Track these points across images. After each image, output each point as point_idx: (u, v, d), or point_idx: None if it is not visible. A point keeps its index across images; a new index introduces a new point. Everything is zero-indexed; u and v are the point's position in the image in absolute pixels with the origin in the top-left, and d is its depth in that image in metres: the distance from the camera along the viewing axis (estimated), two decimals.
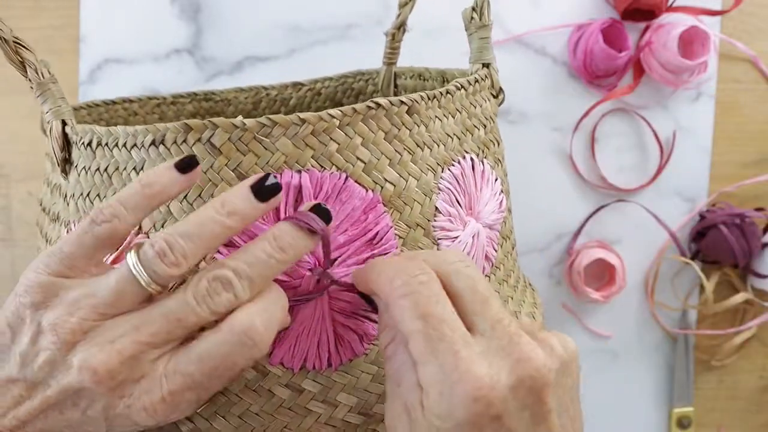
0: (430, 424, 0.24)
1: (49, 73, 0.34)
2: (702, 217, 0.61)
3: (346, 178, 0.30)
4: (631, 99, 0.61)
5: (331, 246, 0.30)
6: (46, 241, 0.37)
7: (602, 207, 0.62)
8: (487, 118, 0.39)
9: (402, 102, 0.32)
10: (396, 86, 0.53)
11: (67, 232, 0.34)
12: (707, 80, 0.61)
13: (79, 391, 0.26)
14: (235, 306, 0.26)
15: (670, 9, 0.59)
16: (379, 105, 0.31)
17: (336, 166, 0.30)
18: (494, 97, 0.42)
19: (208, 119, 0.29)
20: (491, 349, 0.24)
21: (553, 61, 0.62)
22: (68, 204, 0.34)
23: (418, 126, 0.33)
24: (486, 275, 0.37)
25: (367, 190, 0.31)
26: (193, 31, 0.61)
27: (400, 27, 0.48)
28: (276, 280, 0.29)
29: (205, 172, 0.29)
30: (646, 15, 0.59)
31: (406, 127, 0.32)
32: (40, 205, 0.39)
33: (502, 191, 0.39)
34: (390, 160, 0.32)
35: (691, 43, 0.59)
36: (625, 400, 0.64)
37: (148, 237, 0.30)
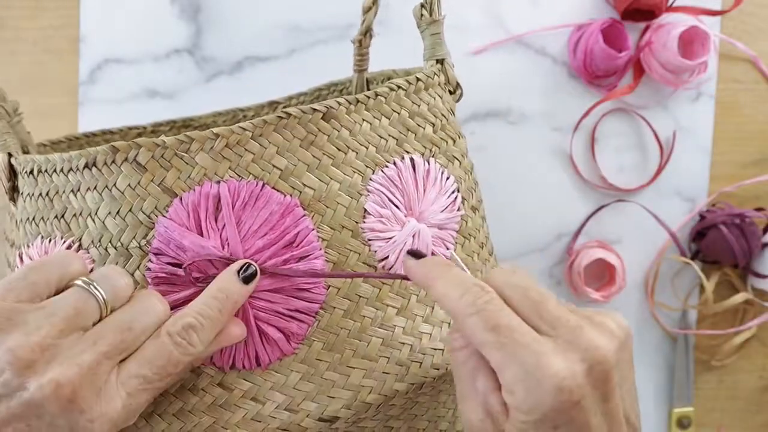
0: (517, 421, 0.26)
1: (14, 111, 0.38)
2: (702, 217, 0.61)
3: (263, 185, 0.32)
4: (631, 99, 0.61)
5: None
6: (8, 265, 0.40)
7: (602, 207, 0.62)
8: (437, 116, 0.39)
9: (315, 110, 0.33)
10: None
11: (19, 255, 0.37)
12: (707, 80, 0.61)
13: (41, 406, 0.26)
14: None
15: (670, 9, 0.59)
16: (290, 114, 0.33)
17: (253, 175, 0.32)
18: (451, 93, 0.42)
19: (132, 140, 0.32)
20: (559, 345, 0.27)
21: (553, 61, 0.62)
22: (18, 229, 0.37)
23: (338, 131, 0.34)
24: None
25: (285, 195, 0.33)
26: (193, 31, 0.61)
27: (366, 33, 0.47)
28: (198, 282, 0.32)
29: (133, 189, 0.32)
30: (646, 15, 0.59)
31: (324, 133, 0.34)
32: (4, 233, 0.42)
33: (457, 190, 0.39)
34: (308, 165, 0.33)
35: (691, 43, 0.59)
36: None
37: (88, 253, 0.33)
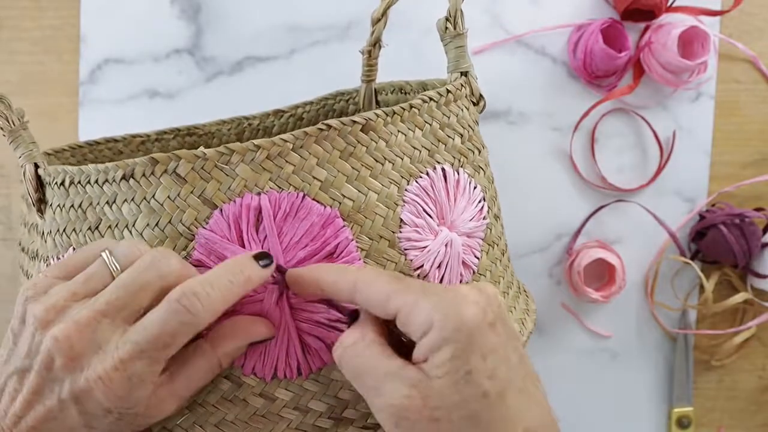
0: (439, 362, 0.27)
1: (20, 120, 0.37)
2: (702, 217, 0.61)
3: (303, 196, 0.32)
4: (631, 99, 0.61)
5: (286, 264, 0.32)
6: (27, 278, 0.40)
7: (602, 207, 0.62)
8: (464, 127, 0.40)
9: (354, 121, 0.33)
10: (378, 103, 0.53)
11: (46, 266, 0.37)
12: (707, 80, 0.62)
13: (51, 361, 0.28)
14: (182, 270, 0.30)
15: (670, 9, 0.59)
16: (330, 126, 0.33)
17: (293, 186, 0.32)
18: (474, 104, 0.42)
19: (172, 152, 0.32)
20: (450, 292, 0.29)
21: (553, 61, 0.62)
22: (46, 241, 0.37)
23: (376, 142, 0.34)
24: (465, 282, 0.37)
25: (325, 207, 0.32)
26: (193, 31, 0.61)
27: (376, 44, 0.47)
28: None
29: (172, 200, 0.32)
30: (646, 15, 0.59)
31: (362, 145, 0.34)
32: (20, 245, 0.41)
33: (483, 198, 0.39)
34: (347, 176, 0.33)
35: (691, 43, 0.59)
36: (625, 400, 0.64)
37: None
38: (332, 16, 0.61)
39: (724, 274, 0.63)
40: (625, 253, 0.61)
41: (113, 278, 0.30)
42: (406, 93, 0.51)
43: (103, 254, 0.31)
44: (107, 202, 0.33)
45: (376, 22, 0.45)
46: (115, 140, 0.53)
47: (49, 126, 0.62)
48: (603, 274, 0.62)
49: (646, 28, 0.60)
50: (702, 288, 0.62)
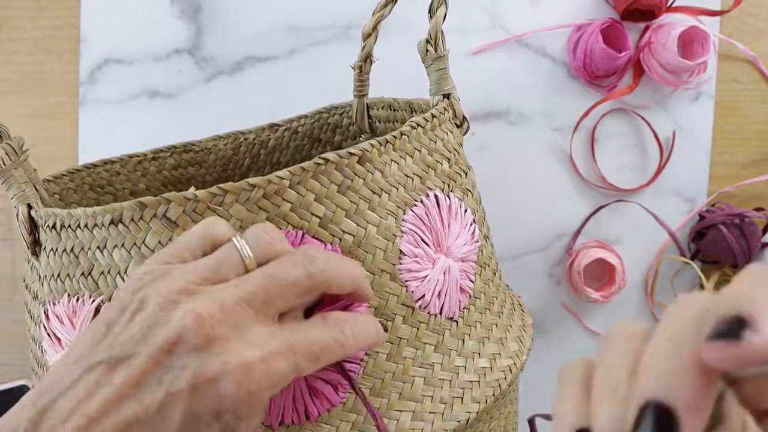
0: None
1: (16, 155, 0.36)
2: (702, 217, 0.61)
3: (303, 234, 0.31)
4: (631, 99, 0.61)
5: None
6: (31, 317, 0.38)
7: (602, 207, 0.62)
8: (450, 151, 0.39)
9: (351, 153, 0.32)
10: (370, 117, 0.53)
11: (45, 312, 0.35)
12: (707, 80, 0.62)
13: (179, 338, 0.24)
14: (329, 278, 0.28)
15: (670, 9, 0.59)
16: (327, 160, 0.32)
17: (291, 225, 0.31)
18: (458, 126, 0.42)
19: (161, 195, 0.30)
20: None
21: (553, 61, 0.62)
22: (42, 285, 0.36)
23: (372, 173, 0.33)
24: (464, 308, 0.37)
25: (325, 244, 0.31)
26: (193, 31, 0.61)
27: (367, 59, 0.47)
28: None
29: (164, 246, 0.30)
30: (646, 15, 0.59)
31: (359, 177, 0.33)
32: (24, 281, 0.40)
33: (474, 221, 0.39)
34: (346, 211, 0.32)
35: (690, 43, 0.59)
36: None
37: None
38: (332, 16, 0.61)
39: (724, 274, 0.63)
40: (625, 253, 0.62)
41: (245, 267, 0.27)
42: (395, 110, 0.50)
43: (235, 239, 0.28)
44: (98, 247, 0.32)
45: (366, 37, 0.44)
46: (112, 161, 0.52)
47: (49, 126, 0.62)
48: (603, 274, 0.62)
49: (646, 28, 0.60)
50: (702, 288, 0.62)
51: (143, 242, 0.31)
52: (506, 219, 0.62)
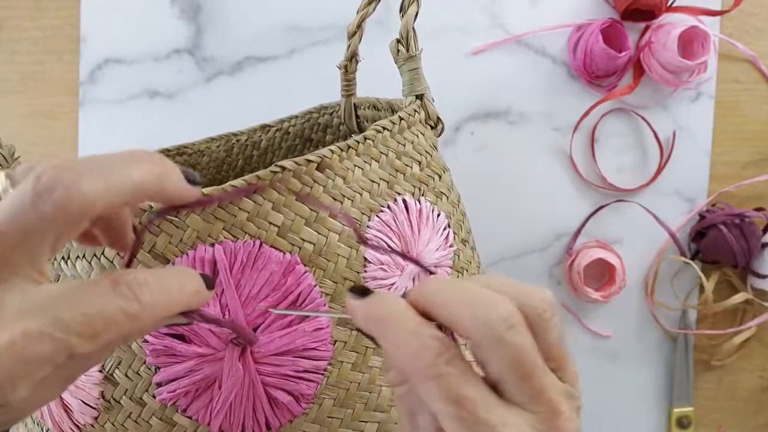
0: None
1: (1, 166, 0.35)
2: (702, 217, 0.61)
3: (261, 244, 0.30)
4: (631, 99, 0.61)
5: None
6: None
7: (602, 207, 0.62)
8: (421, 153, 0.38)
9: (309, 160, 0.32)
10: (358, 117, 0.53)
11: None
12: (707, 80, 0.61)
13: None
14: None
15: (670, 9, 0.59)
16: (284, 168, 0.31)
17: (249, 234, 0.30)
18: (432, 128, 0.41)
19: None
20: (529, 422, 0.23)
21: (553, 61, 0.62)
22: None
23: (333, 180, 0.33)
24: None
25: (284, 254, 0.31)
26: (193, 31, 0.61)
27: (352, 58, 0.47)
28: (199, 353, 0.30)
29: (122, 256, 0.30)
30: (646, 15, 0.59)
31: (319, 184, 0.32)
32: None
33: (449, 225, 0.38)
34: (305, 219, 0.31)
35: (691, 43, 0.59)
36: (625, 400, 0.64)
37: None
38: (332, 16, 0.61)
39: (724, 274, 0.63)
40: (625, 253, 0.61)
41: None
42: (378, 110, 0.50)
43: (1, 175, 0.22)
44: (63, 258, 0.32)
45: (351, 35, 0.43)
46: None
47: (49, 126, 0.62)
48: (603, 274, 0.62)
49: (646, 28, 0.60)
50: (702, 288, 0.62)
51: (102, 253, 0.31)
52: (506, 219, 0.62)
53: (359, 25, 0.42)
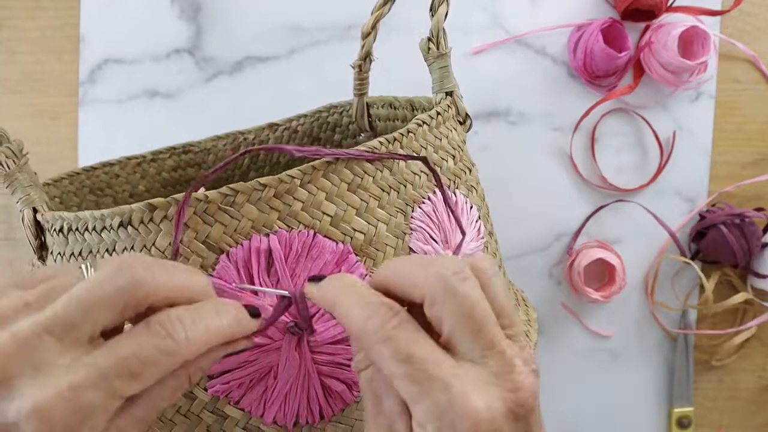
0: None
1: (17, 158, 0.35)
2: (702, 217, 0.61)
3: (315, 234, 0.31)
4: (631, 99, 0.61)
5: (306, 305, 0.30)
6: None
7: (602, 207, 0.62)
8: (455, 148, 0.39)
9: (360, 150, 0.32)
10: (370, 116, 0.53)
11: None
12: (707, 80, 0.61)
13: None
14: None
15: (670, 9, 0.59)
16: (338, 158, 0.31)
17: (303, 224, 0.31)
18: (461, 123, 0.42)
19: (171, 196, 0.30)
20: (482, 376, 0.24)
21: (553, 61, 0.62)
22: None
23: (381, 171, 0.33)
24: None
25: (337, 243, 0.31)
26: (193, 31, 0.61)
27: (366, 58, 0.47)
28: (258, 343, 0.30)
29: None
30: (646, 15, 0.59)
31: (369, 175, 0.33)
32: None
33: (479, 218, 0.39)
34: (356, 209, 0.32)
35: (691, 43, 0.59)
36: (625, 400, 0.64)
37: None
38: (332, 16, 0.61)
39: (724, 274, 0.63)
40: (625, 253, 0.61)
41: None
42: (395, 108, 0.50)
43: (83, 265, 0.25)
44: (107, 250, 0.31)
45: (366, 36, 0.44)
46: (111, 164, 0.52)
47: (49, 126, 0.62)
48: (603, 274, 0.62)
49: (646, 28, 0.60)
50: (702, 288, 0.62)
51: (153, 244, 0.30)
52: (506, 219, 0.62)
53: (374, 26, 0.43)
